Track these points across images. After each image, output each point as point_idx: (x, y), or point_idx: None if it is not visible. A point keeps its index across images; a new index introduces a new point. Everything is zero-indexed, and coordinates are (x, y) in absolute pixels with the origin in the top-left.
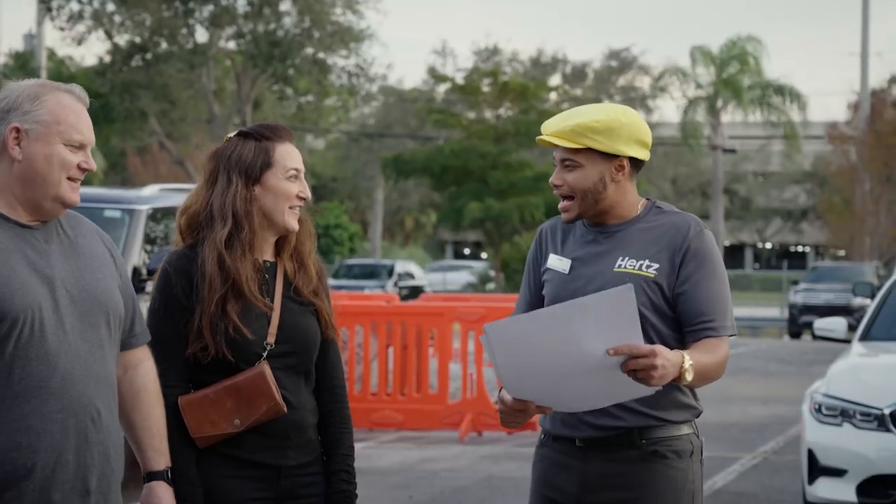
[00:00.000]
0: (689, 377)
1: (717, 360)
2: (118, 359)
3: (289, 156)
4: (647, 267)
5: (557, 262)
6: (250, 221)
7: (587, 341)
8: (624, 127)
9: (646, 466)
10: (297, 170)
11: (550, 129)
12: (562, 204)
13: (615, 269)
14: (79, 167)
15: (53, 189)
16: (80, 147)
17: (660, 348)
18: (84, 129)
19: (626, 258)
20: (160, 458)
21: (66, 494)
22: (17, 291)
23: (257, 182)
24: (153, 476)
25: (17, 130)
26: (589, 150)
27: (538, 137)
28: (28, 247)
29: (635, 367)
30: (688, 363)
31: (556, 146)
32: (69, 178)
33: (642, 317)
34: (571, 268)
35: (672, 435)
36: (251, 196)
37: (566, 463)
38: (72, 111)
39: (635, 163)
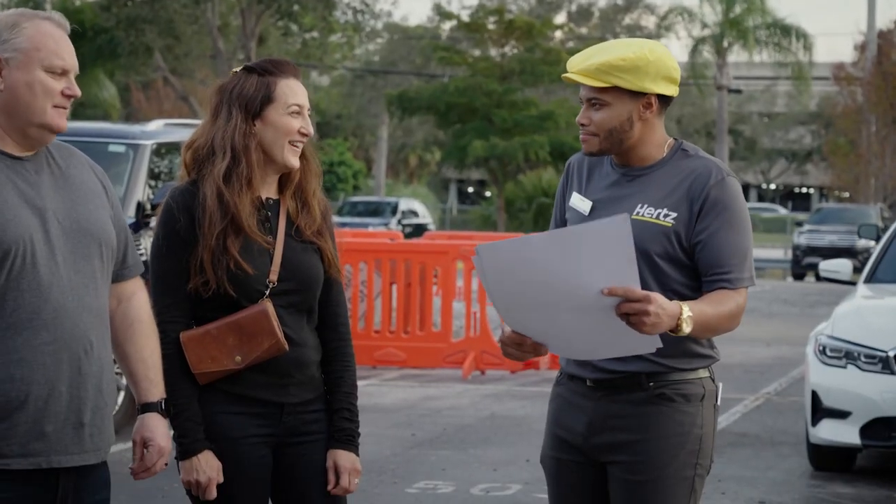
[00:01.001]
0: (686, 328)
1: (727, 312)
2: (112, 291)
3: (291, 91)
4: (665, 216)
5: (580, 203)
6: (248, 156)
7: (580, 274)
8: (651, 64)
9: (652, 409)
10: (299, 105)
11: (576, 68)
12: (583, 136)
13: (633, 217)
14: (63, 94)
15: (38, 116)
16: (63, 73)
17: (655, 296)
18: (65, 55)
19: (646, 205)
20: (154, 389)
21: (59, 426)
22: (10, 223)
23: (258, 117)
24: (147, 407)
25: None
26: (615, 89)
27: (564, 75)
28: (19, 178)
29: (628, 311)
30: (686, 314)
31: (584, 84)
32: (55, 106)
33: (657, 266)
34: (592, 209)
35: (683, 378)
36: (251, 130)
37: (577, 402)
38: (51, 38)
39: (663, 99)
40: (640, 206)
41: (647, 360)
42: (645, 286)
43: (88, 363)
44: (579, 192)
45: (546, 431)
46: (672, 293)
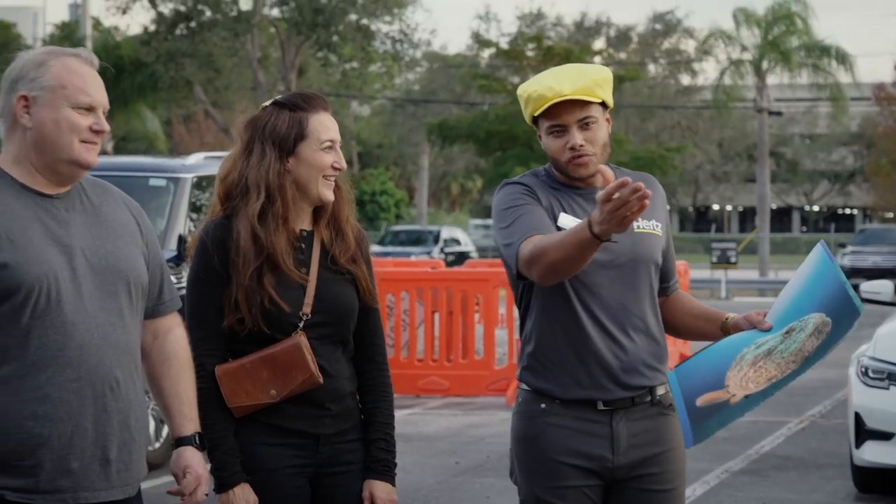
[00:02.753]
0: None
1: None
2: (148, 326)
3: (323, 127)
4: (656, 226)
5: (572, 222)
6: (283, 195)
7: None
8: (611, 79)
9: (664, 421)
10: (331, 141)
11: (570, 89)
12: (582, 159)
13: (636, 230)
14: (91, 129)
15: (66, 153)
16: (90, 109)
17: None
18: (92, 91)
19: (640, 219)
20: (188, 423)
21: (85, 463)
22: (33, 261)
23: (291, 154)
24: (182, 441)
25: (25, 98)
26: (599, 104)
27: (560, 99)
28: (48, 216)
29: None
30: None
31: (570, 107)
32: (83, 141)
33: (652, 277)
34: None
35: (666, 391)
36: (284, 169)
37: (588, 428)
38: (77, 74)
39: None
40: (636, 220)
41: (656, 372)
42: (645, 293)
43: (114, 399)
44: (562, 212)
45: (549, 464)
46: (656, 302)
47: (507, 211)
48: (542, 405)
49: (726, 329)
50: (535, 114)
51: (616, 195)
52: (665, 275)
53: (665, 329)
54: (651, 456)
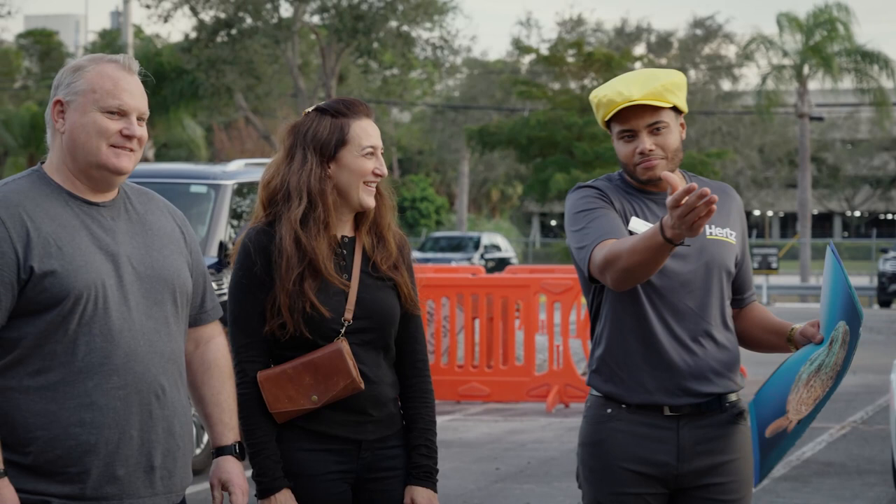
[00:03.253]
0: None
1: None
2: (189, 335)
3: (364, 133)
4: (730, 234)
5: (644, 226)
6: (324, 200)
7: None
8: (685, 83)
9: (734, 429)
10: (373, 147)
11: (639, 94)
12: (650, 162)
13: (708, 237)
14: (121, 134)
15: (94, 156)
16: (122, 113)
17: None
18: (123, 95)
19: (713, 226)
20: (229, 432)
21: (130, 470)
22: (81, 269)
23: (332, 160)
24: (222, 451)
25: (60, 103)
26: (670, 109)
27: (628, 104)
28: (94, 223)
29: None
30: None
31: (640, 112)
32: (113, 146)
33: (724, 285)
34: None
35: (738, 396)
36: (326, 174)
37: (653, 434)
38: (109, 79)
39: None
40: (709, 226)
41: (726, 380)
42: (717, 301)
43: (160, 407)
44: (633, 216)
45: (612, 470)
46: (728, 308)
47: (580, 214)
48: (609, 410)
49: (792, 341)
50: (606, 118)
51: (684, 201)
52: (740, 286)
53: (739, 342)
54: (718, 464)
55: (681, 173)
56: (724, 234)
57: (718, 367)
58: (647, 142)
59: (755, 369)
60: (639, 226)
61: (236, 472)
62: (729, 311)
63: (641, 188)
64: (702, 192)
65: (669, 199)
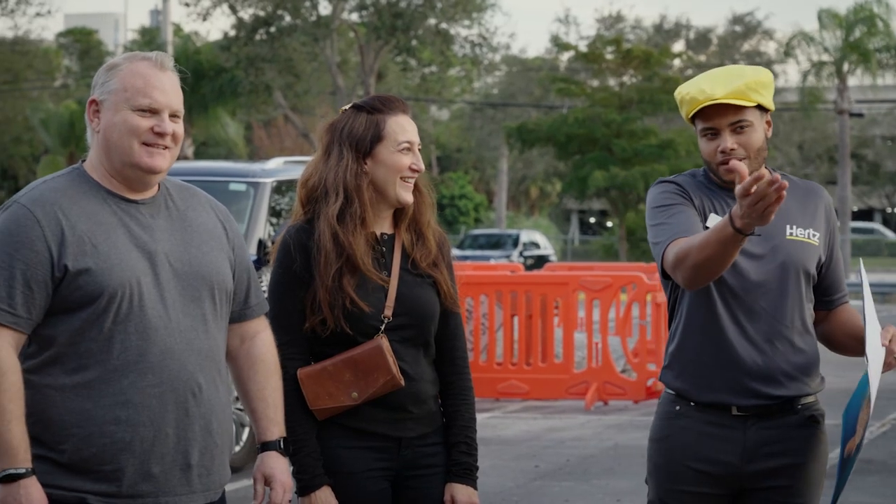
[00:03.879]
0: None
1: None
2: (235, 330)
3: (401, 128)
4: (812, 235)
5: None
6: (360, 195)
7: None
8: (772, 81)
9: (806, 432)
10: (409, 142)
11: (720, 92)
12: (733, 163)
13: (787, 237)
14: (153, 131)
15: (126, 155)
16: (153, 111)
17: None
18: (154, 92)
19: (795, 226)
20: (274, 427)
21: (166, 468)
22: (116, 266)
23: (368, 155)
24: (267, 446)
25: (95, 103)
26: (756, 108)
27: (710, 103)
28: (132, 221)
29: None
30: None
31: (722, 111)
32: (145, 144)
33: (808, 285)
34: None
35: (817, 400)
36: (362, 170)
37: (719, 433)
38: (142, 77)
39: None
40: (789, 226)
41: (799, 383)
42: (794, 302)
43: (196, 405)
44: (712, 213)
45: (674, 466)
46: (809, 310)
47: (658, 210)
48: (678, 407)
49: None
50: (689, 116)
51: (754, 188)
52: (828, 287)
53: (827, 344)
54: (783, 467)
55: (768, 170)
56: (806, 234)
57: (791, 369)
58: (729, 140)
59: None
60: (716, 222)
61: (280, 468)
62: (809, 313)
63: (723, 185)
64: (773, 178)
65: (738, 189)
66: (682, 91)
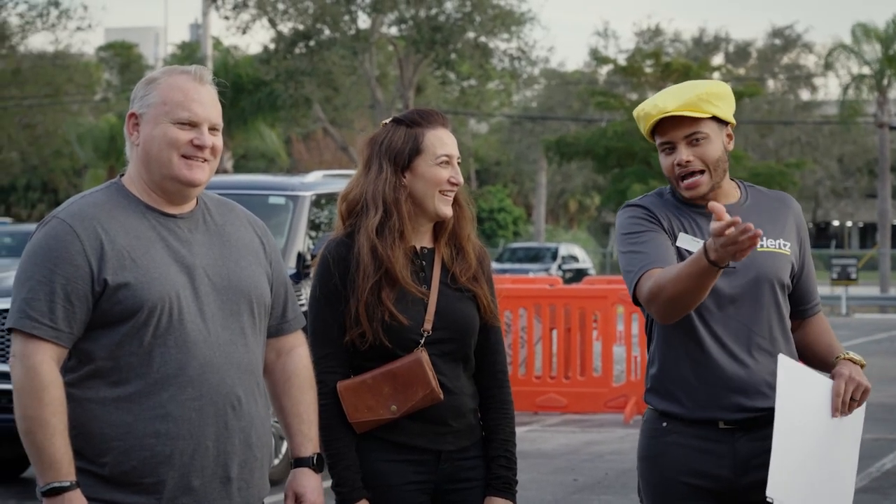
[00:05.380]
0: (864, 361)
1: None
2: (272, 345)
3: (439, 142)
4: (784, 245)
5: (692, 243)
6: (399, 209)
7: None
8: (730, 95)
9: None
10: (448, 156)
11: (672, 105)
12: (690, 180)
13: (759, 249)
14: (192, 144)
15: (166, 168)
16: (193, 125)
17: (849, 376)
18: (194, 106)
19: (765, 237)
20: (308, 443)
21: (206, 481)
22: (155, 280)
23: (407, 169)
24: (300, 462)
25: (135, 116)
26: (712, 120)
27: (659, 117)
28: (171, 235)
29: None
30: (858, 358)
31: (677, 124)
32: (185, 157)
33: (783, 295)
34: None
35: None
36: (400, 183)
37: (709, 448)
38: (181, 90)
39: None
40: (759, 239)
41: None
42: (770, 314)
43: (236, 418)
44: (681, 232)
45: (668, 483)
46: (786, 319)
47: (627, 237)
48: (665, 424)
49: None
50: (648, 132)
51: (727, 232)
52: (801, 297)
53: (798, 355)
54: None
55: (738, 183)
56: (777, 245)
57: (774, 380)
58: (684, 153)
59: None
60: (686, 242)
61: (311, 487)
62: (787, 322)
63: (690, 202)
64: (745, 227)
65: (713, 227)
66: (639, 108)
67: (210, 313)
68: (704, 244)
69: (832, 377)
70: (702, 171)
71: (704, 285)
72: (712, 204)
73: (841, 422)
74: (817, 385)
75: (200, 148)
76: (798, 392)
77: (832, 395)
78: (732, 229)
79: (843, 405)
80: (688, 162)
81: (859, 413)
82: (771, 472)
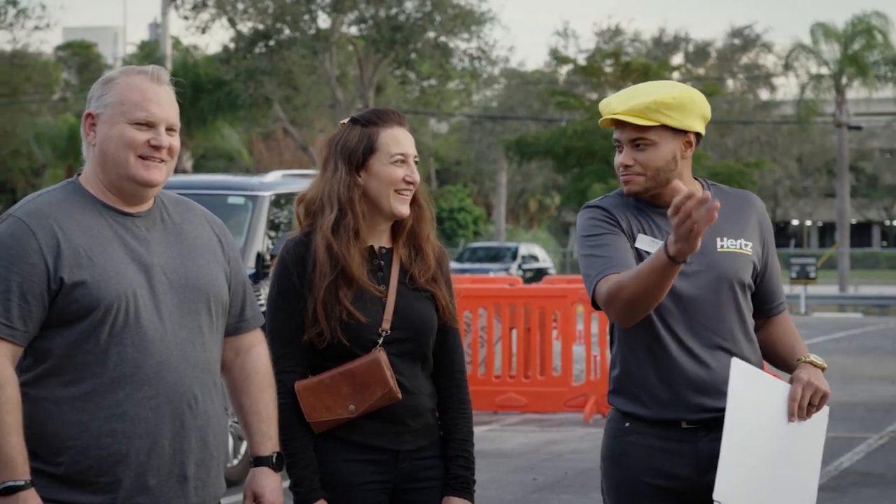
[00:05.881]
0: (825, 364)
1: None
2: (230, 343)
3: (394, 140)
4: (745, 245)
5: (651, 244)
6: (353, 208)
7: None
8: (693, 103)
9: None
10: (403, 154)
11: (621, 108)
12: (627, 176)
13: (719, 250)
14: (149, 144)
15: (122, 168)
16: (149, 125)
17: (809, 383)
18: (151, 106)
19: (725, 238)
20: (267, 442)
21: (162, 480)
22: (112, 279)
23: (362, 168)
24: (259, 461)
25: (91, 116)
26: (662, 128)
27: (606, 117)
28: (128, 234)
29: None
30: (821, 363)
31: (624, 126)
32: (142, 157)
33: (745, 296)
34: None
35: None
36: (355, 182)
37: (672, 448)
38: (138, 90)
39: (698, 137)
40: (719, 238)
41: None
42: (731, 314)
43: (192, 417)
44: (640, 233)
45: (631, 483)
46: (748, 319)
47: (587, 239)
48: (627, 424)
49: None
50: (603, 127)
51: (683, 205)
52: (765, 296)
53: (762, 354)
54: None
55: (701, 182)
56: (738, 245)
57: None
58: (624, 156)
59: None
60: (645, 243)
61: (270, 487)
62: (750, 322)
63: (650, 202)
64: (702, 197)
65: (671, 207)
66: (602, 101)
67: (167, 312)
68: (665, 241)
69: (791, 381)
70: (640, 175)
71: (663, 284)
72: (676, 182)
73: (799, 426)
74: (773, 389)
75: (157, 148)
76: (751, 396)
77: (788, 400)
78: (688, 202)
79: (801, 410)
80: (628, 166)
81: (820, 418)
82: (719, 475)
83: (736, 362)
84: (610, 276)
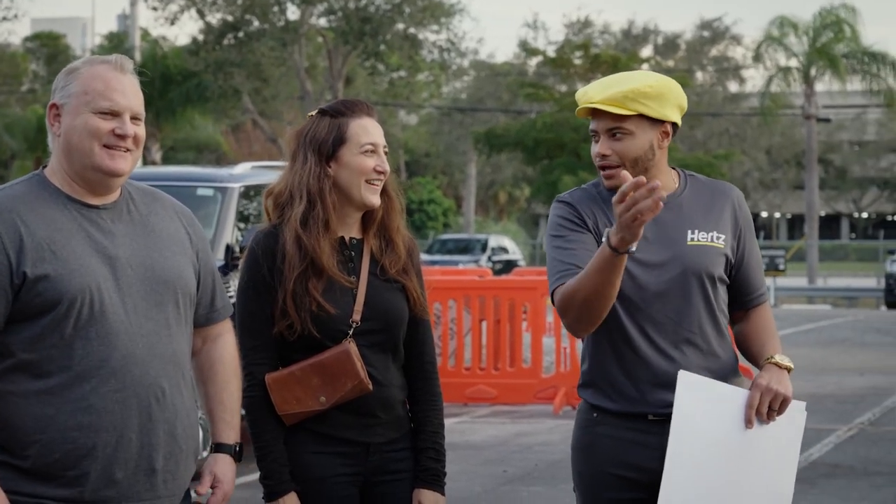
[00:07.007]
0: (791, 366)
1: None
2: (199, 333)
3: (364, 130)
4: (717, 238)
5: None
6: (323, 199)
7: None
8: (672, 92)
9: None
10: (373, 144)
11: (597, 97)
12: (608, 171)
13: (689, 243)
14: (114, 133)
15: (87, 158)
16: (114, 114)
17: (765, 385)
18: (114, 95)
19: (697, 230)
20: (229, 431)
21: (129, 473)
22: (75, 272)
23: (331, 158)
24: (220, 448)
25: (56, 107)
26: (639, 117)
27: (583, 106)
28: (93, 226)
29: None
30: (786, 364)
31: (601, 115)
32: (106, 146)
33: (715, 289)
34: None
35: None
36: (325, 173)
37: (639, 440)
38: (101, 80)
39: (674, 127)
40: (690, 231)
41: None
42: (699, 308)
43: (160, 410)
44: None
45: (599, 475)
46: (719, 313)
47: (553, 239)
48: (595, 414)
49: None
50: (579, 117)
51: (629, 193)
52: (741, 287)
53: (738, 347)
54: None
55: (678, 172)
56: (709, 238)
57: (702, 373)
58: (601, 146)
59: None
60: None
61: (228, 477)
62: (721, 316)
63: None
64: (651, 186)
65: (616, 195)
66: (579, 91)
67: (132, 304)
68: (606, 233)
69: (751, 386)
70: (618, 166)
71: (612, 279)
72: (624, 173)
73: (762, 430)
74: (729, 398)
75: (122, 137)
76: (702, 407)
77: (745, 408)
78: (637, 191)
79: (761, 415)
80: (605, 156)
81: (792, 416)
82: (662, 489)
83: (682, 375)
84: (566, 283)
